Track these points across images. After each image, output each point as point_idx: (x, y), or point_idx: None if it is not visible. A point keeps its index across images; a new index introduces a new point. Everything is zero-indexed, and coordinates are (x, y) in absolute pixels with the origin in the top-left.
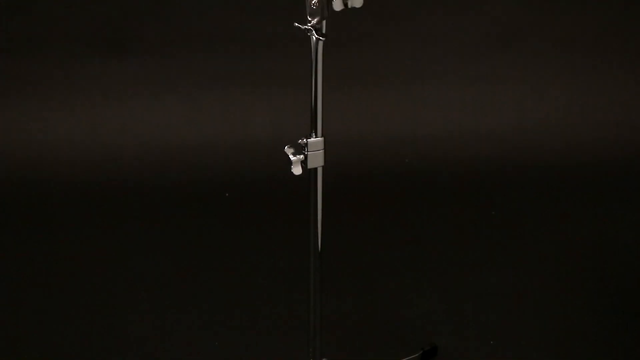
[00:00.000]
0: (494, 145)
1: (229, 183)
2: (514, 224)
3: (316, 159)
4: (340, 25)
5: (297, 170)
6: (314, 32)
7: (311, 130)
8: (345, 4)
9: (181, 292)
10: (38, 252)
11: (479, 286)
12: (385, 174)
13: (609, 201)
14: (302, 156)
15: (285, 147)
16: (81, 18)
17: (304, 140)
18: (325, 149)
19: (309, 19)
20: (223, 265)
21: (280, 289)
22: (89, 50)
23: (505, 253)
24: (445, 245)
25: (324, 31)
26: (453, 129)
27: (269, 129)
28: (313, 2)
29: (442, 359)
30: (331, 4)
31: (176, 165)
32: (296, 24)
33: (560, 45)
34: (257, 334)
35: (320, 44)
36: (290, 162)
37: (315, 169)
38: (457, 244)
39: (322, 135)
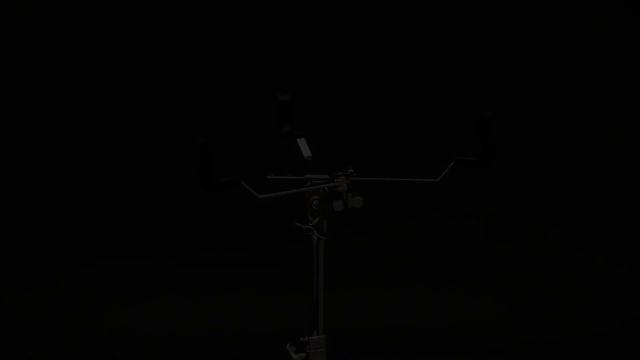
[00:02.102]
0: (494, 340)
1: None
2: None
3: (318, 357)
4: (341, 222)
5: None
6: (315, 231)
7: (313, 328)
8: (346, 205)
9: None
10: None
11: None
12: None
13: None
14: (304, 354)
15: (287, 345)
16: (83, 219)
17: (306, 338)
18: (326, 346)
19: (310, 218)
20: None
21: None
22: (90, 253)
23: None
24: None
25: (325, 230)
26: (453, 325)
27: (271, 326)
28: (314, 202)
29: None
30: (332, 205)
31: None
32: (298, 224)
33: (559, 238)
34: None
35: (322, 242)
36: None
37: None
38: None
39: (324, 333)
